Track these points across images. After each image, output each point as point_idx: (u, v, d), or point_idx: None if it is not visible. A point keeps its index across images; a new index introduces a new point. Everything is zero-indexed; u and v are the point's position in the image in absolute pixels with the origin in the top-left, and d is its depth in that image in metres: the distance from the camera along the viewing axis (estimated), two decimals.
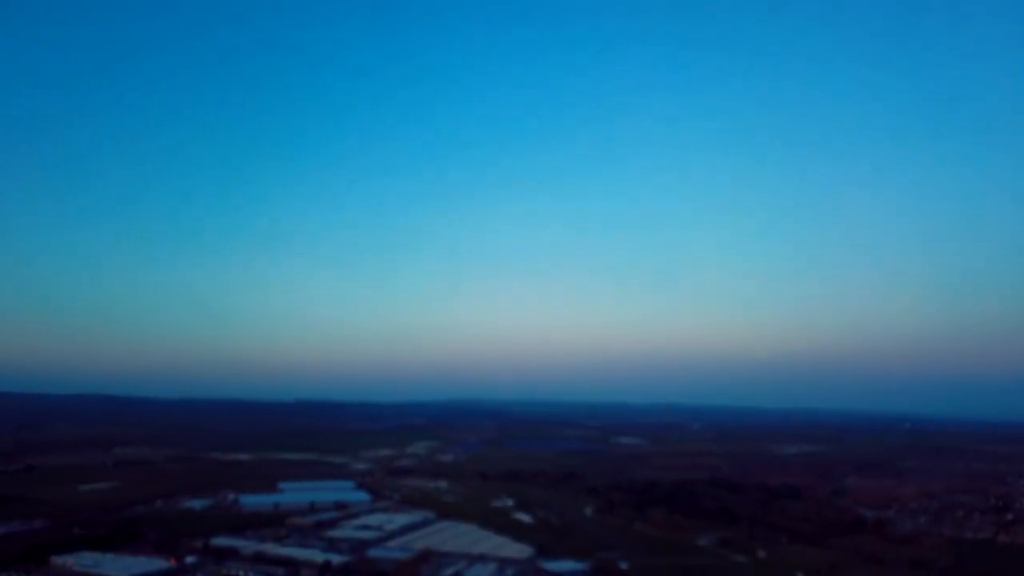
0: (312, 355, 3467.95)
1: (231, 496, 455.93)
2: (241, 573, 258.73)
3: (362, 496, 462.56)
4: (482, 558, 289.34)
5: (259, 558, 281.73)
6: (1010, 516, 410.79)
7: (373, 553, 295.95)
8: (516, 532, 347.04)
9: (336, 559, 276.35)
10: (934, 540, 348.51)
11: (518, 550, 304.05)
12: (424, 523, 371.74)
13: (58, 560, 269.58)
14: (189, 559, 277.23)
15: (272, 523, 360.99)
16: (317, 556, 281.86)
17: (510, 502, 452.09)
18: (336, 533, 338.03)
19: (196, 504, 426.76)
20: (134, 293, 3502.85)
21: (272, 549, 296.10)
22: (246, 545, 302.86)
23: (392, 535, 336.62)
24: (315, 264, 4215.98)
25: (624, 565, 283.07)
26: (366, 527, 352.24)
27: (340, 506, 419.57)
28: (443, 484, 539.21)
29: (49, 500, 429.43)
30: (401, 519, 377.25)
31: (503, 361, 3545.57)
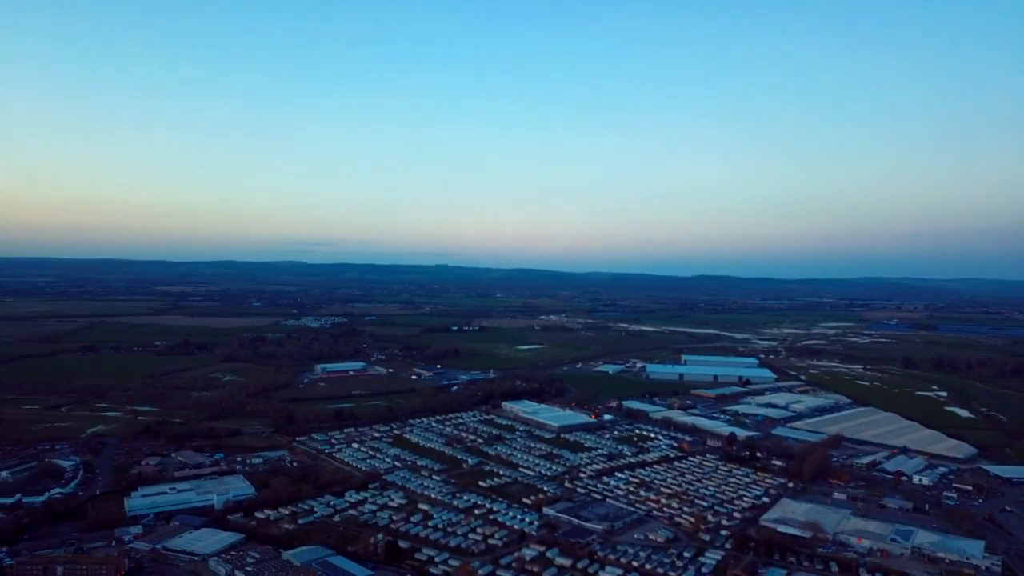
0: (711, 230, 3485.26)
1: (638, 364, 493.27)
2: (652, 435, 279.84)
3: (766, 373, 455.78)
4: (905, 451, 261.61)
5: (667, 423, 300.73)
6: None
7: (779, 432, 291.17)
8: (949, 427, 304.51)
9: (741, 433, 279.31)
10: None
11: (952, 447, 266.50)
12: (835, 407, 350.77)
13: (507, 404, 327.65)
14: (607, 416, 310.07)
15: (677, 392, 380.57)
16: (723, 427, 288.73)
17: (942, 393, 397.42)
18: (740, 408, 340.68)
19: (609, 368, 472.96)
20: (549, 191, 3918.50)
21: (678, 416, 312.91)
22: (655, 410, 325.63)
23: (800, 416, 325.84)
24: (704, 141, 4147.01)
25: None
26: (771, 405, 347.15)
27: (744, 382, 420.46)
28: (857, 368, 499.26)
29: (497, 355, 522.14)
30: (809, 400, 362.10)
31: (934, 235, 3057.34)
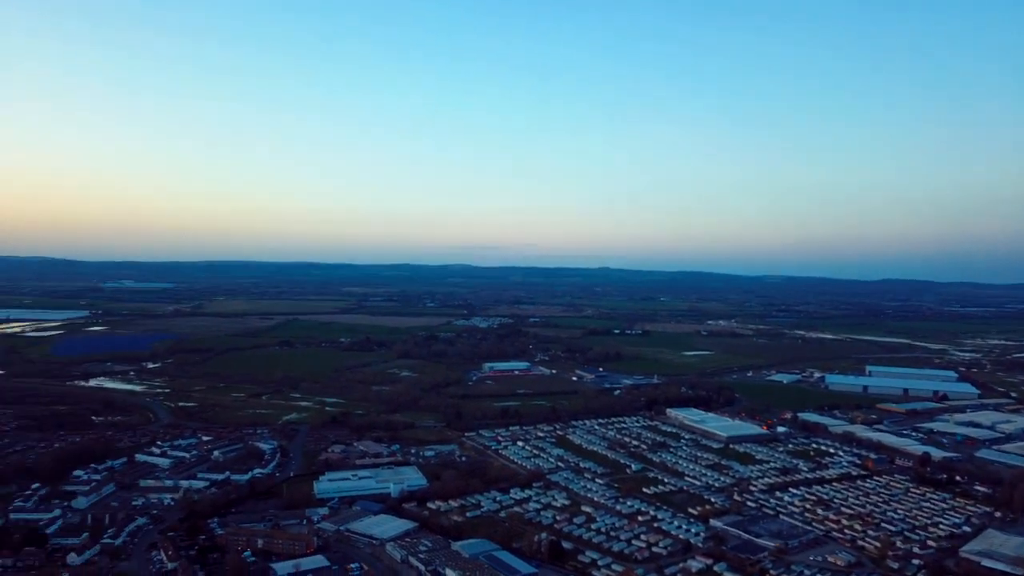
0: (899, 229, 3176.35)
1: (816, 374, 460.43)
2: (832, 450, 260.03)
3: (966, 389, 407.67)
4: None
5: (848, 438, 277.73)
6: None
7: (983, 454, 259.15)
8: None
9: (937, 453, 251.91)
10: None
11: None
12: None
13: (672, 411, 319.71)
14: (780, 428, 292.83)
15: (860, 406, 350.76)
16: (914, 446, 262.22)
17: None
18: (935, 426, 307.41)
19: (782, 378, 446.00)
20: (718, 191, 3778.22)
21: (862, 431, 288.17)
22: (834, 424, 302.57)
23: (1009, 438, 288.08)
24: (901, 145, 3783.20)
25: None
26: (973, 424, 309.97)
27: (940, 397, 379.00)
28: None
29: (661, 360, 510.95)
30: (1022, 421, 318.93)
31: None
